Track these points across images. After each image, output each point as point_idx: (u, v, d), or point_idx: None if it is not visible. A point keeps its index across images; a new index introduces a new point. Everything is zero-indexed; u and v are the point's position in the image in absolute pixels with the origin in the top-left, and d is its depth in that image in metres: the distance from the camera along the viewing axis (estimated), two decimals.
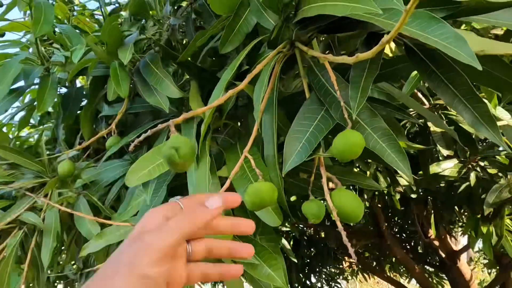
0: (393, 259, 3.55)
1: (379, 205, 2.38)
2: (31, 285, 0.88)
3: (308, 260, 3.79)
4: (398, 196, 1.59)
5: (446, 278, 3.07)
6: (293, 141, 0.42)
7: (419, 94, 1.01)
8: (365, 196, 1.52)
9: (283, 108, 0.55)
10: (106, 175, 0.75)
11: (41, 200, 0.70)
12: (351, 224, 3.57)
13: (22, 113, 1.08)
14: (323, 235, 3.53)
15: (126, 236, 0.56)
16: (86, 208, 0.68)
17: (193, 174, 0.47)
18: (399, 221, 3.06)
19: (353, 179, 0.51)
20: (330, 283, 4.16)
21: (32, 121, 1.25)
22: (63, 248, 1.60)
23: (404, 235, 3.23)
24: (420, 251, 3.18)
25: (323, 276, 4.15)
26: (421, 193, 1.56)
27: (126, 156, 0.77)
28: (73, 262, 1.88)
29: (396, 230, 3.18)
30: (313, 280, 4.03)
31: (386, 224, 2.50)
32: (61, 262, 1.88)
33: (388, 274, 3.57)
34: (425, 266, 3.45)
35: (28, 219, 0.76)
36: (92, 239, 0.56)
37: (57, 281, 2.21)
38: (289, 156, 0.41)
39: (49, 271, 1.72)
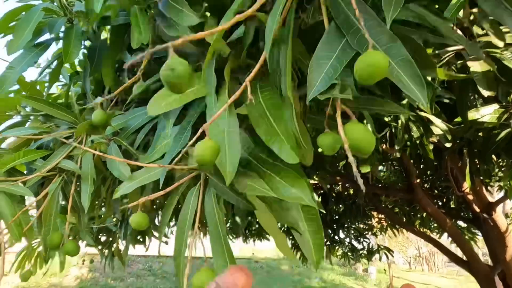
0: (424, 214, 3.52)
1: (411, 160, 2.32)
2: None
3: (336, 216, 3.84)
4: (431, 147, 1.53)
5: (479, 234, 3.02)
6: (317, 67, 0.40)
7: (459, 31, 0.93)
8: (396, 147, 1.47)
9: (305, 40, 0.52)
10: (133, 122, 0.77)
11: (77, 146, 0.73)
12: (381, 180, 3.54)
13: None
14: (352, 192, 3.54)
15: (155, 177, 0.58)
16: (117, 153, 0.71)
17: (213, 108, 0.46)
18: (431, 177, 2.99)
19: (376, 106, 0.49)
20: (359, 238, 4.23)
21: (62, 80, 1.29)
22: (103, 203, 1.70)
23: (436, 191, 3.17)
24: (452, 206, 3.12)
25: (352, 232, 4.22)
26: (457, 142, 1.49)
27: None
28: (112, 216, 2.02)
29: (428, 186, 3.12)
30: (342, 235, 4.12)
31: (417, 180, 2.45)
32: (102, 216, 2.02)
33: (418, 229, 3.56)
34: (458, 222, 3.40)
35: (66, 166, 0.81)
36: (124, 181, 0.58)
37: (100, 234, 2.40)
38: (313, 83, 0.39)
39: (92, 224, 1.86)
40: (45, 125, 0.99)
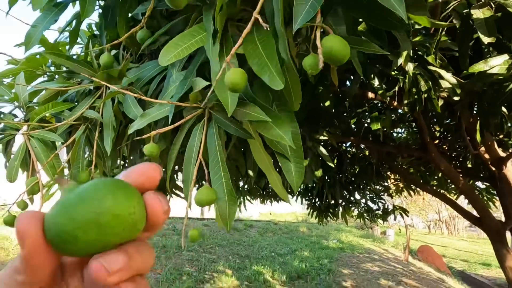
0: (439, 174, 3.52)
1: (424, 119, 2.31)
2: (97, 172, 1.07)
3: (352, 178, 3.91)
4: (441, 102, 1.54)
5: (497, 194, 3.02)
6: (300, 3, 0.44)
7: None
8: (405, 101, 1.49)
9: None
10: (146, 73, 0.84)
11: (109, 86, 0.82)
12: (395, 139, 3.54)
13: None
14: (367, 153, 3.56)
15: (165, 114, 0.66)
16: (132, 100, 0.79)
17: (210, 50, 0.52)
18: (448, 137, 2.96)
19: (361, 46, 0.53)
20: (374, 199, 4.30)
21: (81, 42, 1.36)
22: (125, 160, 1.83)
23: (454, 153, 3.15)
24: (469, 165, 3.11)
25: (367, 193, 4.29)
26: (467, 97, 1.48)
27: None
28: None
29: (445, 147, 3.10)
30: (357, 196, 4.20)
31: (434, 141, 2.44)
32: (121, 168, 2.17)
33: (435, 190, 3.57)
34: (476, 183, 3.38)
35: (90, 115, 0.90)
36: (137, 119, 0.66)
37: None
38: (298, 15, 0.44)
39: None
40: (69, 82, 1.08)
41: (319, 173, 1.72)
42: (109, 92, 0.86)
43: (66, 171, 1.03)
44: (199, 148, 0.58)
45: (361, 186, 4.09)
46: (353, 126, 2.32)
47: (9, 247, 5.07)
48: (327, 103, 1.49)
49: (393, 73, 1.40)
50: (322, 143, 1.80)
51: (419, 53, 1.38)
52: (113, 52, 1.11)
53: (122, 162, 1.87)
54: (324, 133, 1.76)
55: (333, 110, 1.58)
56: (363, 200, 4.31)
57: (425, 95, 1.40)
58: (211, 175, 0.57)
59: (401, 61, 1.23)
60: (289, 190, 2.78)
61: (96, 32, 1.35)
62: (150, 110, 0.66)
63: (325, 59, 0.39)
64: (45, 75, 1.21)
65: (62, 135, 0.95)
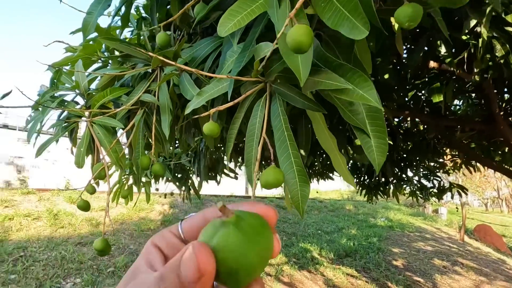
0: (506, 149, 3.21)
1: (493, 86, 2.08)
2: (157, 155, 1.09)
3: (405, 155, 3.71)
4: None
5: None
6: None
7: None
8: (475, 69, 1.33)
9: None
10: (200, 52, 0.82)
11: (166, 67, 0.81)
12: (455, 112, 3.26)
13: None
14: (422, 128, 3.34)
15: (224, 90, 0.64)
16: (188, 80, 0.77)
17: (275, 14, 0.47)
18: None
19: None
20: (429, 176, 4.07)
21: (131, 26, 1.37)
22: (177, 141, 1.88)
23: None
24: None
25: (421, 170, 4.06)
26: None
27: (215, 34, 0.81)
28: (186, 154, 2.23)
29: None
30: (410, 174, 3.99)
31: (501, 112, 2.20)
32: (176, 153, 2.23)
33: (499, 165, 3.27)
34: None
35: (146, 99, 0.91)
36: (193, 98, 0.64)
37: (176, 172, 2.67)
38: None
39: (169, 160, 2.08)
40: (123, 67, 1.09)
41: None
42: (164, 74, 0.85)
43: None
44: (261, 126, 0.55)
45: (414, 163, 3.87)
46: (407, 99, 2.16)
47: (75, 223, 5.56)
48: (386, 76, 1.38)
49: (463, 37, 1.25)
50: None
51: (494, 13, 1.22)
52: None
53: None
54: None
55: (393, 83, 1.46)
56: (416, 178, 4.10)
57: (502, 61, 1.24)
58: (278, 154, 0.54)
59: (473, 23, 1.09)
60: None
61: (144, 15, 1.36)
62: (206, 87, 0.64)
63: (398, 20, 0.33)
64: (100, 61, 1.24)
65: (122, 120, 0.97)
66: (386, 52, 1.25)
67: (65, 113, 1.00)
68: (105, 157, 0.91)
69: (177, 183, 2.81)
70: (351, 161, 3.55)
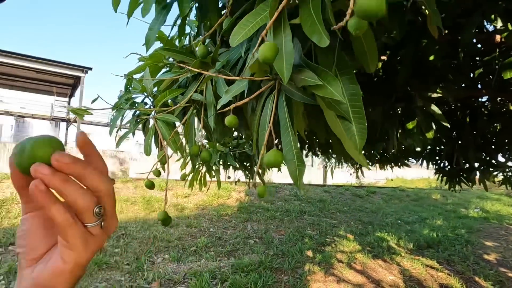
0: None
1: None
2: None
3: (493, 138, 3.35)
4: None
5: None
6: None
7: None
8: None
9: None
10: (233, 55, 0.95)
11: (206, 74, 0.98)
12: None
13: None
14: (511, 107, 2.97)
15: (242, 89, 0.76)
16: (222, 81, 0.92)
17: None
18: None
19: None
20: None
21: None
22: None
23: None
24: None
25: None
26: None
27: None
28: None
29: None
30: (501, 159, 3.59)
31: None
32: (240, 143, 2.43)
33: None
34: None
35: (196, 97, 1.08)
36: (223, 95, 0.78)
37: (243, 160, 2.87)
38: None
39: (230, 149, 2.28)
40: (181, 71, 1.29)
41: (430, 134, 1.57)
42: (203, 77, 1.01)
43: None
44: (270, 116, 0.66)
45: (506, 147, 3.47)
46: (473, 77, 1.98)
47: (153, 203, 6.29)
48: (431, 57, 1.33)
49: None
50: (435, 102, 1.63)
51: None
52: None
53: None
54: (438, 90, 1.58)
55: (442, 63, 1.40)
56: (510, 163, 3.66)
57: None
58: (282, 140, 0.65)
59: None
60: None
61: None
62: (231, 87, 0.77)
63: (361, 17, 0.39)
64: (166, 66, 1.47)
65: (179, 116, 1.17)
66: (418, 36, 1.23)
67: (137, 112, 1.24)
68: (167, 146, 1.12)
69: (246, 172, 3.03)
70: (428, 147, 3.37)
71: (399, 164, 4.32)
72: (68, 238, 0.33)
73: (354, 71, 0.62)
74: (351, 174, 5.20)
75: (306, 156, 2.92)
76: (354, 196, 9.85)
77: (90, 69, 16.03)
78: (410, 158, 4.07)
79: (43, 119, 19.25)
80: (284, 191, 8.98)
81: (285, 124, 0.65)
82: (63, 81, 18.45)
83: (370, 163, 4.06)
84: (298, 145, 0.62)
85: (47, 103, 19.82)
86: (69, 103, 20.51)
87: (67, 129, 20.20)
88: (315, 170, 17.93)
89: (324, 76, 0.54)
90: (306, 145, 2.78)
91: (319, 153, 3.53)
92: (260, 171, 2.93)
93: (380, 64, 1.53)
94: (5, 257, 3.62)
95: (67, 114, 19.12)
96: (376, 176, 19.37)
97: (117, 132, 1.21)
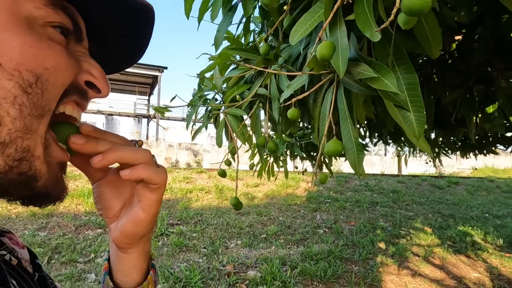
0: None
1: None
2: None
3: None
4: None
5: None
6: None
7: None
8: None
9: None
10: (295, 50, 1.00)
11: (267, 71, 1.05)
12: None
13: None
14: None
15: (303, 83, 0.81)
16: (284, 76, 0.97)
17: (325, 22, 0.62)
18: None
19: None
20: None
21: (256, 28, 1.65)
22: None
23: None
24: None
25: None
26: None
27: None
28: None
29: None
30: None
31: None
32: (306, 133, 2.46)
33: None
34: None
35: (261, 92, 1.16)
36: (284, 90, 0.84)
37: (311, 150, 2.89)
38: None
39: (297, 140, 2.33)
40: (247, 67, 1.38)
41: None
42: (267, 73, 1.07)
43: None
44: (329, 107, 0.70)
45: None
46: None
47: (225, 191, 6.61)
48: None
49: None
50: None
51: None
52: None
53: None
54: None
55: None
56: None
57: None
58: (342, 130, 0.68)
59: None
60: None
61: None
62: (292, 81, 0.82)
63: (407, 14, 0.41)
64: (234, 64, 1.57)
65: (246, 109, 1.26)
66: (498, 12, 1.12)
67: (208, 107, 1.36)
68: (236, 138, 1.22)
69: (313, 161, 3.05)
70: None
71: (485, 151, 3.91)
72: (152, 179, 0.38)
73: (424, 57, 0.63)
74: (427, 162, 4.85)
75: (375, 145, 2.83)
76: (432, 186, 9.14)
77: (166, 68, 17.32)
78: (498, 145, 3.68)
79: (128, 116, 21.44)
80: (354, 181, 8.73)
81: (344, 115, 0.68)
82: (143, 81, 20.26)
83: (449, 151, 3.76)
84: (357, 134, 0.65)
85: (131, 102, 22.00)
86: (148, 100, 22.44)
87: (147, 124, 22.20)
88: (388, 160, 17.00)
89: (378, 68, 0.57)
90: (376, 133, 2.70)
91: (390, 141, 3.38)
92: (323, 160, 2.93)
93: (454, 45, 1.43)
94: (104, 237, 4.20)
95: (148, 111, 20.98)
96: (459, 165, 17.63)
97: (192, 126, 1.35)
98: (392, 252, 4.18)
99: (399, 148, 4.83)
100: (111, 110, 20.94)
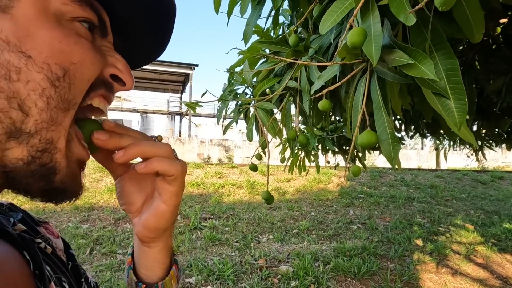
0: None
1: None
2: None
3: None
4: None
5: None
6: None
7: None
8: None
9: None
10: (325, 40, 0.97)
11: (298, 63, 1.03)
12: None
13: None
14: None
15: (334, 73, 0.78)
16: (315, 67, 0.95)
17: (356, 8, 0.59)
18: None
19: None
20: None
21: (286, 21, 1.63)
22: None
23: None
24: None
25: None
26: None
27: None
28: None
29: None
30: None
31: None
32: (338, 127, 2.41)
33: None
34: None
35: (291, 84, 1.14)
36: (315, 81, 0.82)
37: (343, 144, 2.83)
38: None
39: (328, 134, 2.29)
40: (277, 60, 1.37)
41: None
42: (297, 65, 1.05)
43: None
44: (362, 98, 0.68)
45: None
46: None
47: (256, 186, 6.62)
48: None
49: None
50: None
51: None
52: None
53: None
54: None
55: None
56: None
57: None
58: (376, 120, 0.66)
59: None
60: None
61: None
62: (323, 72, 0.80)
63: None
64: (263, 57, 1.56)
65: (276, 103, 1.25)
66: None
67: (239, 102, 1.37)
68: (266, 132, 1.22)
69: (345, 156, 2.98)
70: None
71: None
72: (170, 171, 0.38)
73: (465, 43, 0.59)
74: (468, 156, 4.59)
75: (411, 137, 2.72)
76: (474, 182, 8.66)
77: (197, 65, 17.61)
78: None
79: (161, 113, 22.08)
80: (389, 176, 8.45)
81: (378, 105, 0.66)
82: (175, 79, 20.76)
83: (494, 144, 3.53)
84: (392, 125, 0.63)
85: (164, 100, 22.63)
86: (181, 98, 22.98)
87: (180, 121, 22.75)
88: (425, 154, 16.29)
89: (414, 54, 0.54)
90: (412, 126, 2.59)
91: (427, 134, 3.24)
92: (356, 154, 2.85)
93: (499, 29, 1.33)
94: None
95: (180, 108, 21.50)
96: (504, 159, 16.55)
97: (223, 121, 1.36)
98: (430, 249, 4.01)
99: (437, 141, 4.61)
100: (145, 108, 21.68)
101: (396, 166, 0.80)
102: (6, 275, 0.28)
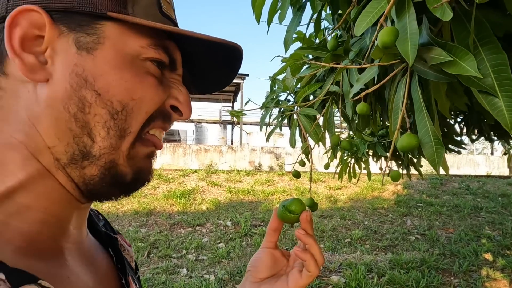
0: None
1: None
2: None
3: None
4: None
5: None
6: None
7: None
8: None
9: None
10: (365, 43, 0.95)
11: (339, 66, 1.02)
12: None
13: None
14: None
15: (372, 76, 0.76)
16: (355, 70, 0.93)
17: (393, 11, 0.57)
18: None
19: None
20: None
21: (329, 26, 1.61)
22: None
23: None
24: None
25: None
26: None
27: None
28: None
29: None
30: None
31: None
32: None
33: None
34: None
35: (333, 89, 1.13)
36: (354, 84, 0.80)
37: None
38: None
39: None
40: (318, 65, 1.35)
41: None
42: (338, 69, 1.03)
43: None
44: (403, 99, 0.65)
45: None
46: None
47: (317, 199, 6.48)
48: None
49: None
50: None
51: None
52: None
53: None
54: None
55: None
56: None
57: None
58: (417, 122, 0.62)
59: None
60: None
61: None
62: (361, 75, 0.78)
63: None
64: (306, 64, 1.56)
65: (318, 109, 1.24)
66: None
67: (281, 109, 1.37)
68: (309, 138, 1.21)
69: (398, 162, 2.83)
70: None
71: None
72: (310, 268, 0.48)
73: None
74: None
75: (473, 142, 2.50)
76: None
77: (247, 75, 17.99)
78: None
79: (214, 123, 22.84)
80: (452, 183, 7.81)
81: (419, 107, 0.62)
82: (227, 89, 21.38)
83: None
84: (434, 127, 0.59)
85: (216, 109, 23.40)
86: (232, 107, 23.60)
87: (232, 130, 23.32)
88: (495, 159, 14.78)
89: (454, 51, 0.50)
90: (476, 129, 2.39)
91: (494, 137, 2.96)
92: (410, 160, 2.68)
93: None
94: (193, 235, 4.53)
95: (232, 117, 22.07)
96: None
97: (266, 128, 1.38)
98: (502, 265, 3.61)
99: (506, 145, 4.16)
100: (199, 119, 22.60)
101: (445, 172, 0.76)
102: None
